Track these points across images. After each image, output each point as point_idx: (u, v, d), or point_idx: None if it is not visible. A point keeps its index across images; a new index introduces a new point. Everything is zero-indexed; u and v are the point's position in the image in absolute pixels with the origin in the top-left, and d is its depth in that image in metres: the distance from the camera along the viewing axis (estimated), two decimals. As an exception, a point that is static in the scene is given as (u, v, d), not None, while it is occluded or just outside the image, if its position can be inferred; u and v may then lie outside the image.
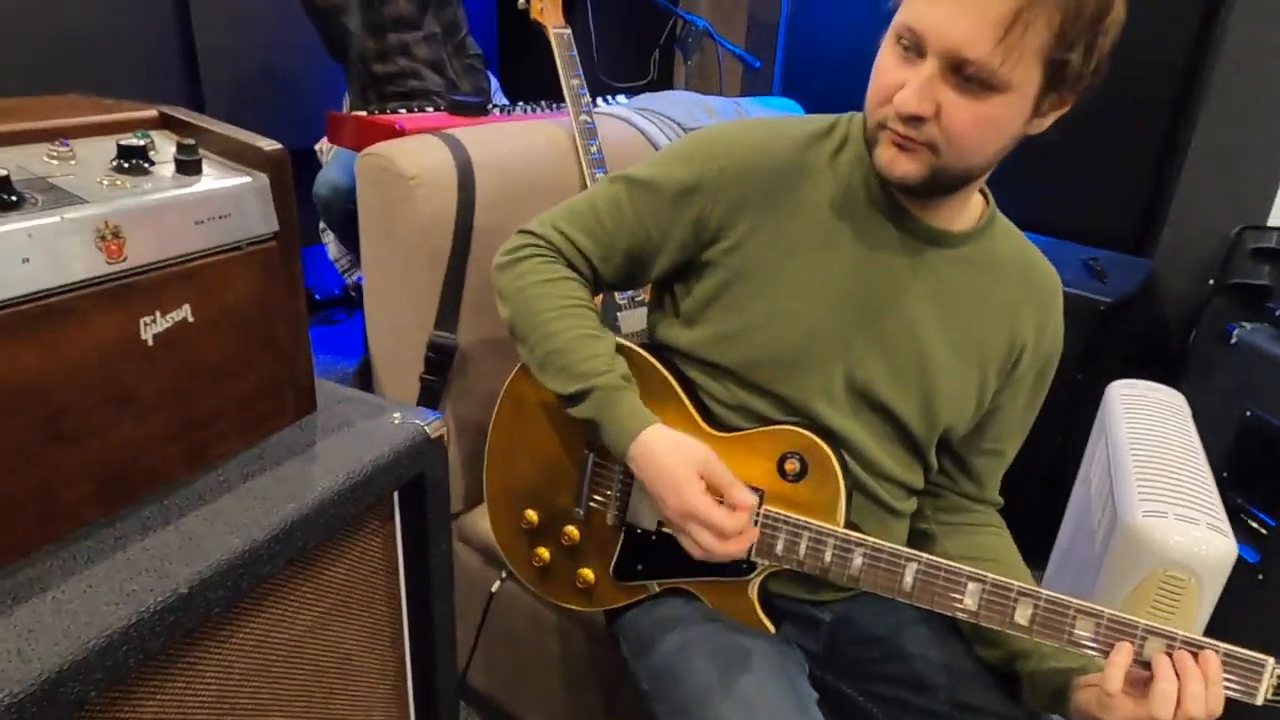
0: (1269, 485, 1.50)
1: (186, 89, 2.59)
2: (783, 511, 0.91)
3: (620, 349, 0.99)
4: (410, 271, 1.28)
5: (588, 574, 1.03)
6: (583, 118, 1.48)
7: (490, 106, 1.81)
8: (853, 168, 0.92)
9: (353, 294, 2.73)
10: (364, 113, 1.76)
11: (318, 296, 3.05)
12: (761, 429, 0.94)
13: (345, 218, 2.21)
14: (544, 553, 1.06)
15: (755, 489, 0.91)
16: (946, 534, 1.05)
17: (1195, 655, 0.76)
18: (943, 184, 0.86)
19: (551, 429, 1.04)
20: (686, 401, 0.97)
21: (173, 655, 0.55)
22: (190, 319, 0.58)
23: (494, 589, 1.20)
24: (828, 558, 0.89)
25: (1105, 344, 1.90)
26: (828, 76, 2.70)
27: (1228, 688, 0.77)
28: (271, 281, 0.63)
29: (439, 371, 1.31)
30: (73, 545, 0.55)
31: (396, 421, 0.70)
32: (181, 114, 0.64)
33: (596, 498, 1.02)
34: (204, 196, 0.57)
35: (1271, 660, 0.76)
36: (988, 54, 0.75)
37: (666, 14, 2.54)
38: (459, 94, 2.21)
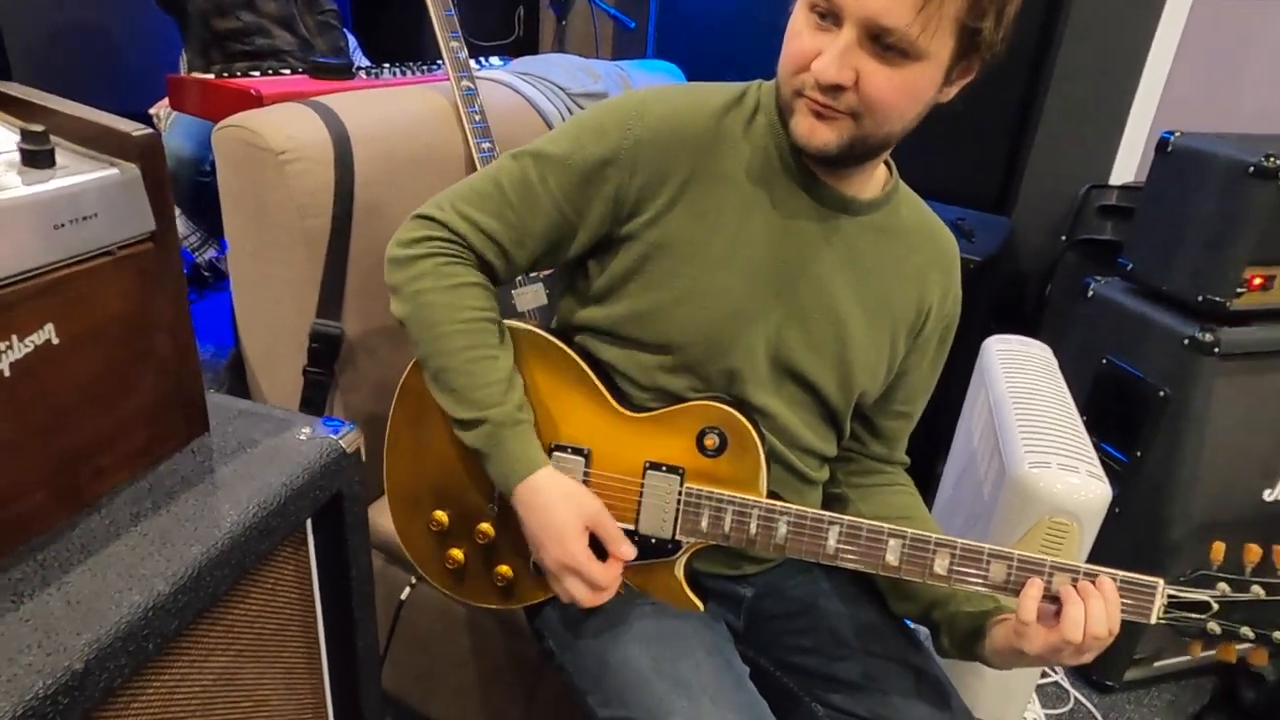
0: (1123, 426, 1.63)
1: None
2: (705, 487, 0.90)
3: (526, 335, 0.95)
4: (285, 256, 1.17)
5: (506, 571, 0.99)
6: (464, 83, 1.39)
7: (355, 69, 1.67)
8: (766, 136, 0.90)
9: (205, 273, 2.50)
10: (210, 75, 1.59)
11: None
12: (678, 406, 0.92)
13: (193, 191, 2.00)
14: (458, 554, 1.00)
15: (674, 467, 0.90)
16: (860, 496, 1.07)
17: (1094, 582, 0.82)
18: (859, 152, 0.86)
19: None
20: (599, 385, 0.93)
21: (65, 735, 0.47)
22: (55, 340, 0.49)
23: (404, 596, 1.13)
24: (753, 529, 0.89)
25: (974, 300, 2.00)
26: (701, 38, 2.68)
27: (1124, 610, 0.83)
28: (150, 289, 0.54)
29: (324, 363, 1.21)
30: (-77, 621, 0.46)
31: (305, 437, 0.63)
32: (19, 91, 0.53)
33: (510, 492, 0.97)
34: (61, 195, 0.48)
35: (1161, 582, 0.83)
36: (908, 23, 0.74)
37: (532, -31, 2.43)
38: (314, 54, 2.03)
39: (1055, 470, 1.22)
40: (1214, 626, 0.84)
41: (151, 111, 2.05)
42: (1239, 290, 1.48)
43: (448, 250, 0.90)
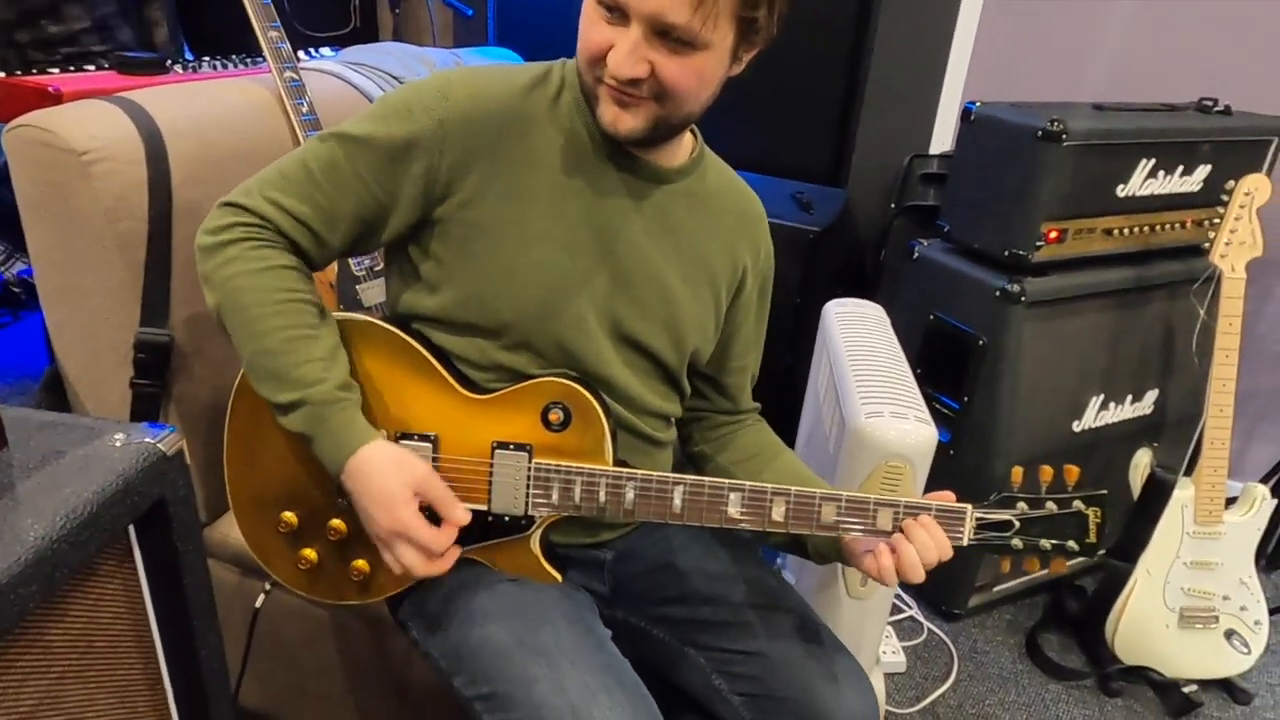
0: (951, 375, 1.78)
1: None
2: (552, 461, 0.92)
3: (364, 325, 0.94)
4: (98, 263, 1.10)
5: (362, 565, 0.98)
6: (287, 74, 1.34)
7: (170, 63, 1.58)
8: (572, 114, 0.93)
9: (15, 289, 2.30)
10: (1, 74, 1.46)
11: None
12: (520, 385, 0.94)
13: None
14: (310, 553, 0.98)
15: (521, 445, 0.92)
16: (717, 450, 1.14)
17: (915, 518, 0.90)
18: (664, 132, 0.91)
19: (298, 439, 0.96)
20: (441, 370, 0.94)
21: None
22: None
23: (258, 604, 1.09)
24: (602, 497, 0.92)
25: (818, 267, 2.12)
26: (541, 25, 2.68)
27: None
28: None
29: (154, 374, 1.15)
30: None
31: (119, 443, 0.60)
32: None
33: (359, 485, 0.96)
34: None
35: (970, 507, 0.92)
36: (687, 20, 0.79)
37: (366, -43, 2.36)
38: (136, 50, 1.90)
39: (888, 419, 1.31)
40: (1017, 542, 0.94)
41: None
42: (1038, 244, 1.64)
43: (255, 234, 0.88)
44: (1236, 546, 1.70)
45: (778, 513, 0.92)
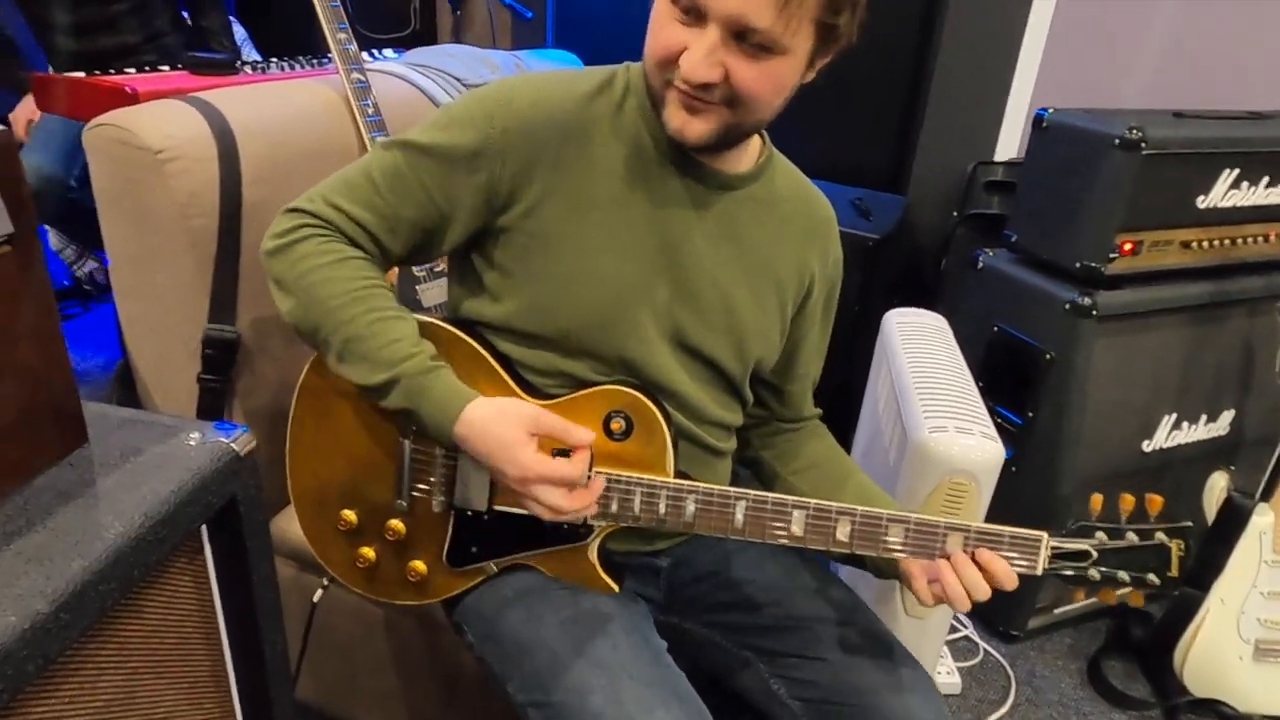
0: (1014, 389, 1.72)
1: None
2: (614, 470, 0.91)
3: (425, 326, 0.93)
4: (171, 260, 1.12)
5: (419, 566, 0.98)
6: (354, 75, 1.35)
7: (240, 64, 1.61)
8: (637, 121, 0.92)
9: (87, 287, 2.37)
10: (82, 73, 1.50)
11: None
12: (583, 392, 0.92)
13: (62, 209, 1.87)
14: (368, 552, 0.99)
15: None
16: (776, 457, 1.12)
17: (976, 551, 0.87)
18: (733, 139, 0.89)
19: (358, 419, 0.96)
20: (503, 374, 0.93)
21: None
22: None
23: (316, 599, 1.10)
24: (662, 510, 0.91)
25: (876, 276, 2.08)
26: (600, 27, 2.68)
27: (1015, 563, 0.88)
28: (8, 295, 0.51)
29: (220, 370, 1.17)
30: None
31: (194, 442, 0.61)
32: None
33: (419, 486, 0.96)
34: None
35: (1045, 535, 0.89)
36: (770, 23, 0.77)
37: (427, -40, 2.38)
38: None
39: (952, 434, 1.28)
40: (1094, 573, 0.90)
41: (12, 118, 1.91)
42: (1112, 256, 1.58)
43: (322, 231, 0.88)
44: (1318, 577, 1.62)
45: (842, 533, 0.89)
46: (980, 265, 1.80)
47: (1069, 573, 0.90)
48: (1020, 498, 1.71)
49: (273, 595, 0.69)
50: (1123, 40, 2.07)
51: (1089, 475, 1.68)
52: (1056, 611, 1.87)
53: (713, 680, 1.04)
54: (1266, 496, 1.62)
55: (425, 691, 1.28)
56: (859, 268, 2.04)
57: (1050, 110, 1.64)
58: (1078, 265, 1.60)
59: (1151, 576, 0.91)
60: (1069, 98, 2.03)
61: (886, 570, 0.97)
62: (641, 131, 0.92)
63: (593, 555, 0.95)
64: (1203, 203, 1.61)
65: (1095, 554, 0.90)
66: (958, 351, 1.57)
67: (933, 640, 1.44)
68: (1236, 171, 1.61)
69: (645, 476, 0.91)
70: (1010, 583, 0.86)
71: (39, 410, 0.56)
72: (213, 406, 1.17)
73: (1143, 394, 1.72)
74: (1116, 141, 1.49)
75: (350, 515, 0.98)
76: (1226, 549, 1.61)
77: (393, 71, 1.53)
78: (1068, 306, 1.60)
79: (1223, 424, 1.83)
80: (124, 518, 0.53)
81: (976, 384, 1.71)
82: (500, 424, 0.84)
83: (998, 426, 1.76)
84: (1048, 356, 1.65)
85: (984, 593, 0.86)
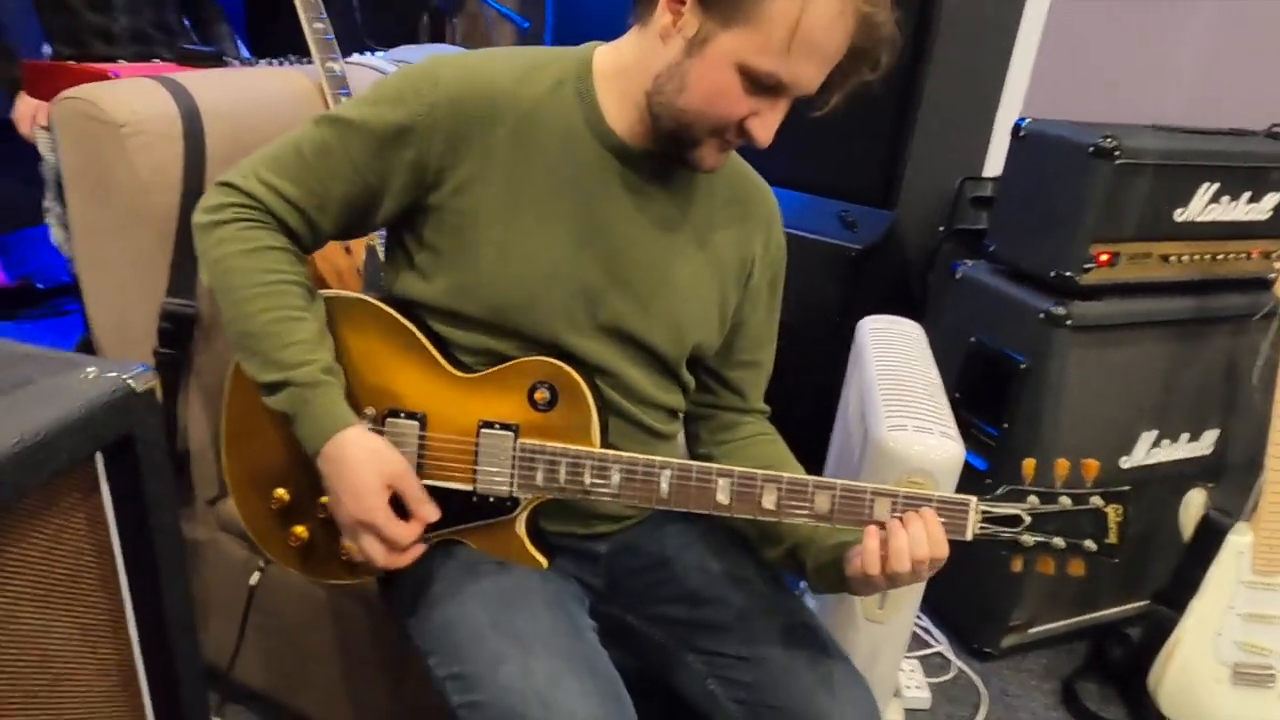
0: (990, 401, 1.70)
1: None
2: (538, 441, 0.90)
3: (357, 303, 0.95)
4: (131, 233, 1.14)
5: (350, 545, 0.97)
6: (330, 64, 1.38)
7: (226, 59, 1.64)
8: (573, 106, 0.92)
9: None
10: (71, 61, 1.54)
11: (41, 286, 2.67)
12: (510, 364, 0.93)
13: None
14: (300, 530, 0.98)
15: (504, 424, 0.90)
16: (726, 454, 1.10)
17: (916, 510, 0.86)
18: None
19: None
20: (431, 349, 0.94)
21: None
22: None
23: (253, 581, 1.10)
24: (587, 480, 0.91)
25: (858, 286, 2.07)
26: (598, 34, 2.72)
27: (945, 528, 0.86)
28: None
29: (177, 344, 1.18)
30: None
31: (90, 376, 0.61)
32: None
33: (349, 463, 0.96)
34: None
35: (974, 499, 0.88)
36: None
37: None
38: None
39: (911, 432, 1.26)
40: (1028, 538, 0.89)
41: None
42: (1087, 266, 1.57)
43: (247, 215, 0.89)
44: (1299, 600, 1.58)
45: (768, 500, 0.88)
46: (959, 276, 1.80)
47: (1003, 538, 0.89)
48: (995, 511, 1.68)
49: (174, 541, 0.69)
50: (1113, 58, 2.07)
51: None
52: (1032, 631, 1.83)
53: (652, 678, 1.03)
54: (1249, 516, 1.59)
55: (372, 678, 1.27)
56: (840, 278, 2.04)
57: (1028, 120, 1.64)
58: (1053, 275, 1.59)
59: (1089, 543, 0.89)
60: (1058, 115, 2.03)
61: (827, 570, 0.95)
62: (577, 120, 0.92)
63: (520, 529, 0.94)
64: (1181, 216, 1.60)
65: (1028, 519, 0.89)
66: (928, 356, 1.55)
67: (894, 646, 1.41)
68: (1216, 185, 1.60)
69: (570, 446, 0.90)
70: (941, 548, 0.85)
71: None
72: (167, 380, 1.18)
73: (1121, 408, 1.70)
74: (1091, 150, 1.49)
75: (282, 494, 0.98)
76: (1203, 568, 1.58)
77: (372, 65, 1.56)
78: (1042, 316, 1.59)
79: (1206, 443, 1.80)
80: (2, 439, 0.53)
81: (953, 395, 1.69)
82: (367, 465, 0.86)
83: (974, 439, 1.75)
84: (1022, 366, 1.63)
85: (923, 548, 0.84)
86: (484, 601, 0.89)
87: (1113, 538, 0.90)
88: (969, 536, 0.88)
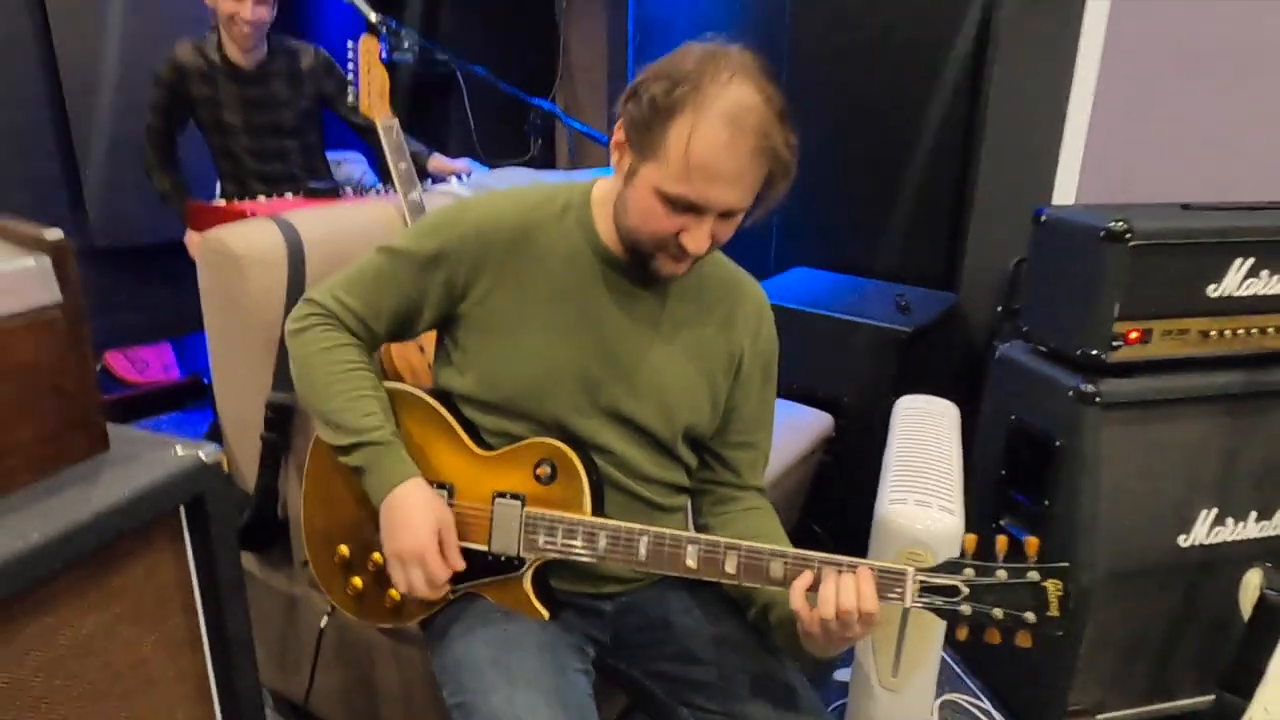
0: (1031, 479, 1.73)
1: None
2: (542, 510, 1.08)
3: (403, 393, 1.17)
4: (247, 340, 1.43)
5: (395, 594, 1.17)
6: (412, 196, 1.67)
7: (341, 189, 1.99)
8: (575, 230, 1.13)
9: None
10: (222, 201, 1.93)
11: (206, 381, 3.13)
12: (520, 444, 1.11)
13: None
14: (357, 581, 1.20)
15: (513, 495, 1.09)
16: (720, 525, 1.23)
17: (854, 571, 0.97)
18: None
19: (351, 473, 1.19)
20: (459, 430, 1.14)
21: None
22: (-21, 374, 0.73)
23: (322, 624, 1.32)
24: (579, 543, 1.07)
25: (911, 367, 2.15)
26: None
27: (882, 594, 0.97)
28: (56, 341, 0.78)
29: (278, 429, 1.45)
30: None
31: (180, 453, 0.85)
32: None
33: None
34: (-12, 274, 0.73)
35: (911, 569, 0.97)
36: (748, 204, 1.02)
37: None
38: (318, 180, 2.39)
39: (910, 506, 1.34)
40: (966, 608, 0.97)
41: (187, 240, 2.38)
42: (1115, 344, 1.60)
43: (324, 322, 1.14)
44: (1381, 692, 1.48)
45: (730, 565, 1.02)
46: (998, 356, 1.85)
47: (941, 608, 0.97)
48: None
49: (236, 576, 0.91)
50: (1163, 136, 2.10)
51: (1111, 569, 1.64)
52: (1100, 718, 1.78)
53: None
54: None
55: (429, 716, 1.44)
56: (892, 359, 2.13)
57: (1046, 208, 1.71)
58: (1079, 353, 1.62)
59: (1029, 615, 0.96)
60: (1112, 194, 2.08)
61: (788, 629, 1.06)
62: (578, 239, 1.13)
63: (526, 585, 1.11)
64: (1214, 291, 1.61)
65: (966, 590, 0.96)
66: (953, 435, 1.62)
67: (917, 713, 1.45)
68: (1251, 260, 1.60)
69: (568, 515, 1.07)
70: (869, 601, 0.95)
71: (74, 423, 0.82)
72: (271, 459, 1.45)
73: (1175, 487, 1.68)
74: (1102, 234, 1.55)
75: (344, 550, 1.20)
76: (1265, 651, 1.52)
77: (448, 191, 1.85)
78: (1071, 394, 1.62)
79: (1278, 522, 1.73)
80: (110, 492, 0.77)
81: (999, 474, 1.75)
82: (426, 510, 1.07)
83: (1020, 514, 1.77)
84: (1058, 443, 1.66)
85: (849, 599, 0.94)
86: (488, 643, 1.06)
87: (1053, 610, 0.97)
88: (907, 603, 0.97)
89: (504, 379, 1.12)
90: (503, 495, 1.10)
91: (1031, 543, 0.98)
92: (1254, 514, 1.72)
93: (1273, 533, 1.73)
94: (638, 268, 1.11)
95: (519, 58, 3.47)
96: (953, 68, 2.47)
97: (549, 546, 1.08)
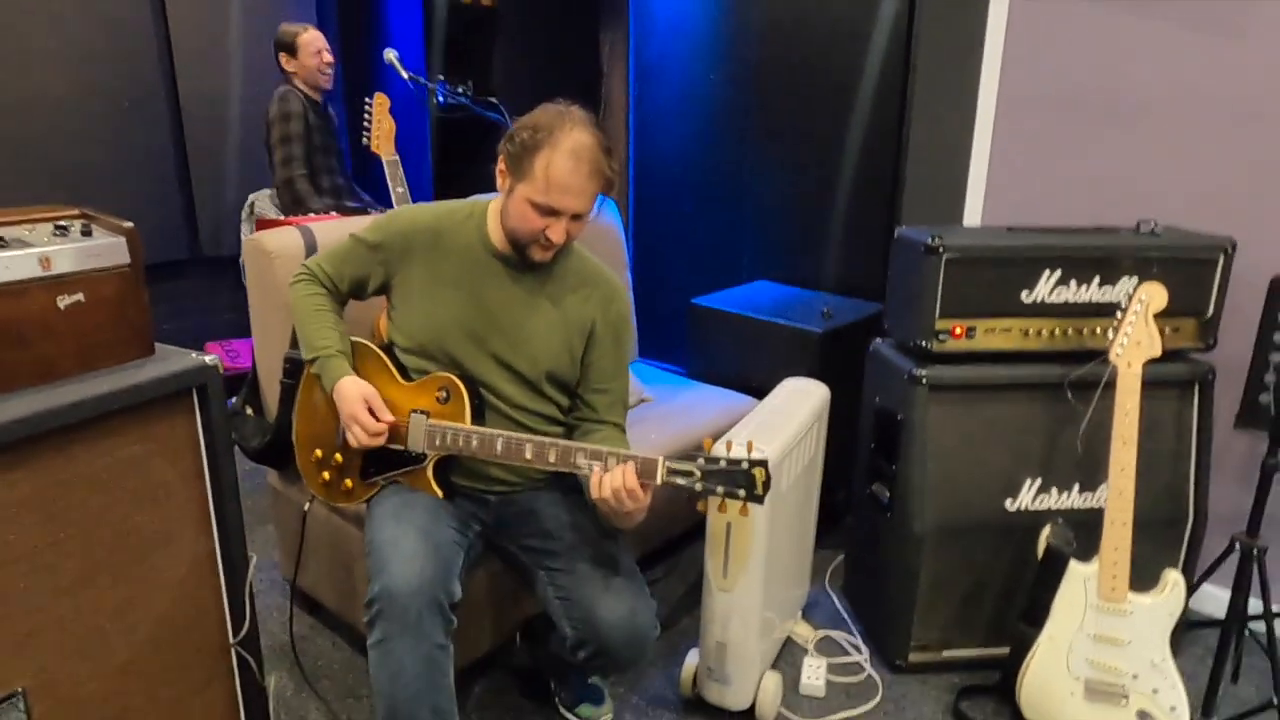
0: (888, 448, 2.11)
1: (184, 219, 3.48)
2: (440, 422, 1.58)
3: (365, 346, 1.70)
4: (274, 313, 2.01)
5: (349, 483, 1.70)
6: (407, 213, 2.23)
7: (369, 209, 2.58)
8: (475, 230, 1.65)
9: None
10: (281, 215, 2.55)
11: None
12: (427, 377, 1.62)
13: None
14: (326, 475, 1.73)
15: (422, 410, 1.59)
16: (581, 438, 1.71)
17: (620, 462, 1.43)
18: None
19: (323, 396, 1.71)
20: (392, 368, 1.66)
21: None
22: (83, 299, 1.29)
23: (306, 508, 1.87)
24: (461, 443, 1.56)
25: (830, 363, 2.54)
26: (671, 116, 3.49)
27: (641, 475, 1.41)
28: (126, 285, 1.35)
29: (292, 376, 2.00)
30: None
31: (194, 358, 1.40)
32: (90, 211, 1.37)
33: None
34: (89, 245, 1.30)
35: (661, 457, 1.41)
36: (589, 208, 1.53)
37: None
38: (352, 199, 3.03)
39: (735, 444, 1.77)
40: (699, 486, 1.40)
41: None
42: (941, 337, 1.98)
43: (309, 279, 1.70)
44: (1147, 627, 1.80)
45: (552, 456, 1.49)
46: (870, 350, 2.25)
47: (680, 481, 1.41)
48: (892, 534, 2.07)
49: (226, 439, 1.44)
50: (1056, 163, 2.46)
51: (942, 524, 2.01)
52: (946, 654, 2.12)
53: (525, 587, 1.65)
54: (1086, 558, 1.84)
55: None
56: (810, 356, 2.55)
57: (901, 227, 2.11)
58: (913, 345, 2.01)
59: (741, 491, 1.39)
60: (1010, 216, 2.45)
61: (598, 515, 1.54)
62: (475, 238, 1.65)
63: (429, 473, 1.62)
64: (1028, 297, 1.97)
65: (699, 473, 1.40)
66: (809, 407, 2.03)
67: (741, 613, 1.84)
68: (1059, 272, 1.96)
69: (455, 424, 1.57)
70: (631, 480, 1.40)
71: (134, 335, 1.38)
72: (287, 398, 2.01)
73: (1000, 457, 2.02)
74: (924, 249, 1.94)
75: (318, 452, 1.74)
76: (1050, 592, 1.86)
77: (440, 211, 2.41)
78: (906, 377, 2.01)
79: (1102, 496, 2.05)
80: (140, 375, 1.32)
81: (869, 445, 2.14)
82: (352, 390, 1.59)
83: (883, 477, 2.14)
84: (899, 418, 2.05)
85: (617, 480, 1.40)
86: (393, 505, 1.58)
87: (759, 490, 1.40)
88: (658, 480, 1.42)
89: (418, 331, 1.64)
90: (416, 411, 1.61)
91: (749, 444, 1.42)
92: (1076, 485, 2.05)
93: (1095, 504, 2.05)
94: (518, 256, 1.61)
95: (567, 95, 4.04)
96: (884, 112, 2.88)
97: (443, 445, 1.58)
